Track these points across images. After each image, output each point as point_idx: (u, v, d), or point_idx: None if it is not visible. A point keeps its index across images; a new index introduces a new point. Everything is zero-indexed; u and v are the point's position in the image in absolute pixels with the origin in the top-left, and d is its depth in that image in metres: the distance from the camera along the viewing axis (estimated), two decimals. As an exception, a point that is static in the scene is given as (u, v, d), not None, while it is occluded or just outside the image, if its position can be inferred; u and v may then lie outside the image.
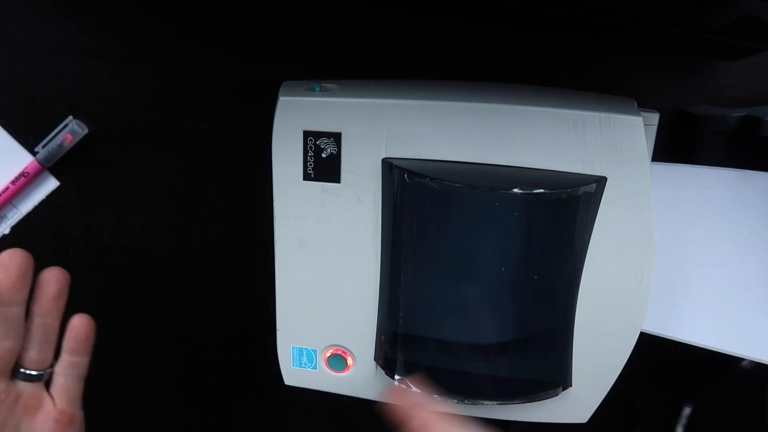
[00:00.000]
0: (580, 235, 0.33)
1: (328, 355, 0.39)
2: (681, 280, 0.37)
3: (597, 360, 0.36)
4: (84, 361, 0.36)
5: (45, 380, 0.35)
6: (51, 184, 0.43)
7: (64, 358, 0.35)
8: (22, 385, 0.34)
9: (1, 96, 0.41)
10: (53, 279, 0.33)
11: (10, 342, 0.32)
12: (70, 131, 0.41)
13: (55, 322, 0.34)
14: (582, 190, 0.32)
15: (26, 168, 0.42)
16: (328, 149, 0.34)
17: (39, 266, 0.45)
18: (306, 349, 0.39)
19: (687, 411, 0.46)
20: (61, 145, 0.41)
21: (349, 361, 0.39)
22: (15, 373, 0.34)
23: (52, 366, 0.35)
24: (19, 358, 0.34)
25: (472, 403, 0.38)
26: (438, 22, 0.39)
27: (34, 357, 0.34)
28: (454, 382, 0.37)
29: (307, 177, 0.35)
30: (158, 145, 0.42)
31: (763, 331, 0.35)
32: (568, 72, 0.39)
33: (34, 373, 0.34)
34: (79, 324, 0.35)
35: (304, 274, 0.37)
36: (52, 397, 0.35)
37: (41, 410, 0.34)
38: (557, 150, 0.32)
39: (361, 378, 0.39)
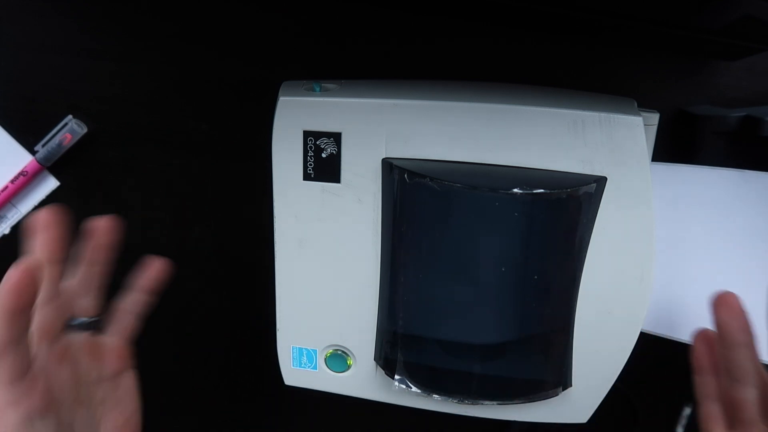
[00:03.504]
0: (580, 235, 0.33)
1: (328, 355, 0.39)
2: (681, 280, 0.37)
3: (597, 360, 0.36)
4: (149, 302, 0.37)
5: (100, 327, 0.36)
6: (51, 183, 0.43)
7: (133, 296, 0.37)
8: (80, 336, 0.34)
9: (1, 96, 0.41)
10: (104, 228, 0.35)
11: (55, 302, 0.33)
12: (69, 130, 0.41)
13: (105, 269, 0.35)
14: (582, 190, 0.32)
15: (25, 167, 0.42)
16: (328, 149, 0.34)
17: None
18: (306, 349, 0.39)
19: (687, 411, 0.46)
20: (60, 145, 0.41)
21: (349, 361, 0.39)
22: (70, 326, 0.34)
23: (105, 311, 0.36)
24: (73, 309, 0.34)
25: (472, 403, 0.38)
26: (438, 22, 0.39)
27: (88, 304, 0.35)
28: (454, 382, 0.37)
29: (307, 177, 0.35)
30: (158, 145, 0.42)
31: (763, 332, 0.35)
32: (568, 72, 0.39)
33: (90, 320, 0.35)
34: (158, 269, 0.37)
35: (304, 274, 0.37)
36: (109, 340, 0.36)
37: (104, 353, 0.35)
38: (557, 150, 0.32)
39: (361, 378, 0.39)
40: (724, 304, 0.33)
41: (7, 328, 0.29)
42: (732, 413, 0.33)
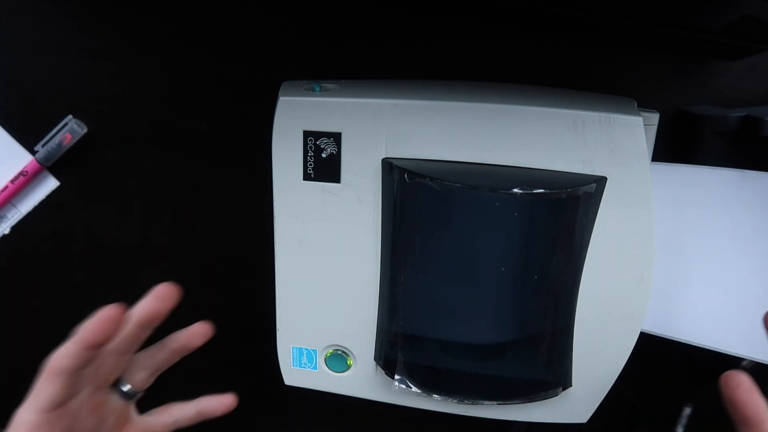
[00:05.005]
0: (580, 235, 0.33)
1: (328, 355, 0.39)
2: (681, 280, 0.37)
3: (597, 360, 0.36)
4: (193, 422, 0.38)
5: (135, 400, 0.37)
6: (51, 184, 0.43)
7: (188, 410, 0.38)
8: (117, 401, 0.36)
9: (1, 96, 0.41)
10: (200, 335, 0.36)
11: (127, 356, 0.35)
12: (69, 130, 0.41)
13: (173, 361, 0.37)
14: (582, 190, 0.32)
15: (25, 167, 0.42)
16: (328, 149, 0.34)
17: (37, 266, 0.45)
18: (306, 349, 0.39)
19: (687, 411, 0.46)
20: (60, 145, 0.41)
21: (349, 361, 0.39)
22: (116, 386, 0.36)
23: (144, 391, 0.37)
24: (127, 373, 0.36)
25: (472, 403, 0.38)
26: (438, 22, 0.39)
27: (142, 379, 0.36)
28: (454, 382, 0.37)
29: (307, 177, 0.35)
30: (158, 145, 0.42)
31: (763, 331, 0.35)
32: (568, 72, 0.39)
33: (133, 392, 0.36)
34: (220, 405, 0.38)
35: (304, 274, 0.37)
36: (137, 421, 0.37)
37: (126, 428, 0.36)
38: (557, 150, 0.32)
39: (361, 378, 0.39)
40: (739, 388, 0.31)
41: (75, 358, 0.30)
42: None
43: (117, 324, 0.31)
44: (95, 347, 0.30)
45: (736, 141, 0.38)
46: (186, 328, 0.36)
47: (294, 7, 0.39)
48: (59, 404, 0.31)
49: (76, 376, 0.31)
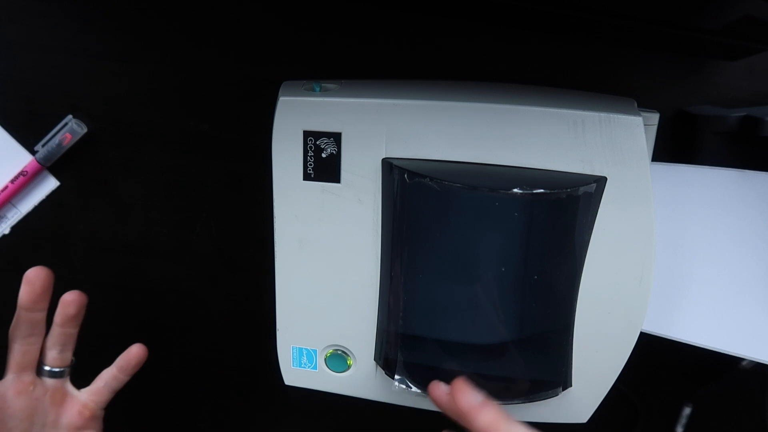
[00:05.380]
0: (580, 235, 0.33)
1: (328, 355, 0.39)
2: (681, 280, 0.37)
3: (597, 360, 0.36)
4: (124, 380, 0.41)
5: (66, 376, 0.40)
6: (51, 183, 0.43)
7: (111, 370, 0.41)
8: (48, 381, 0.39)
9: (1, 96, 0.41)
10: (73, 302, 0.39)
11: (33, 339, 0.38)
12: (69, 130, 0.41)
13: (74, 332, 0.40)
14: (582, 190, 0.32)
15: (25, 167, 0.42)
16: (328, 149, 0.34)
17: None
18: (306, 349, 0.39)
19: (687, 411, 0.46)
20: (60, 144, 0.41)
21: (349, 361, 0.39)
22: (40, 370, 0.39)
23: (71, 365, 0.40)
24: (42, 357, 0.39)
25: (472, 403, 0.38)
26: (438, 22, 0.39)
27: (56, 356, 0.39)
28: (454, 382, 0.37)
29: (307, 177, 0.35)
30: (158, 145, 0.42)
31: (763, 331, 0.35)
32: (568, 72, 0.39)
33: (56, 369, 0.40)
34: (136, 354, 0.41)
35: (304, 274, 0.37)
36: (76, 395, 0.41)
37: (66, 403, 0.40)
38: (557, 150, 0.32)
39: (361, 378, 0.39)
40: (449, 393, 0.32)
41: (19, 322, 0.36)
42: None
43: (46, 280, 0.37)
44: (33, 306, 0.36)
45: (736, 141, 0.38)
46: (59, 302, 0.39)
47: (294, 7, 0.39)
48: None
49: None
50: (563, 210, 0.32)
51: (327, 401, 0.42)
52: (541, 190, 0.32)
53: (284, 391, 0.41)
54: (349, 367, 0.39)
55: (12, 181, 0.42)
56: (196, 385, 0.50)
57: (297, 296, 0.38)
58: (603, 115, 0.31)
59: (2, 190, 0.42)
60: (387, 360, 0.38)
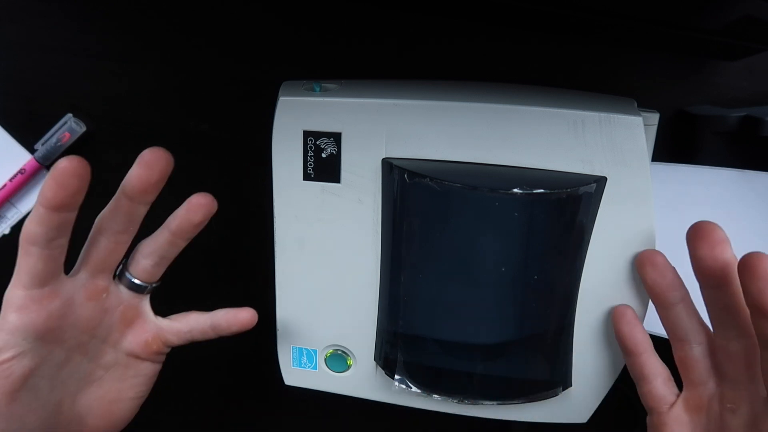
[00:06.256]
0: (580, 235, 0.33)
1: (328, 355, 0.39)
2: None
3: (597, 360, 0.36)
4: (211, 335, 0.35)
5: (148, 294, 0.34)
6: (51, 184, 0.43)
7: (206, 321, 0.35)
8: (125, 293, 0.33)
9: (1, 96, 0.41)
10: (202, 207, 0.32)
11: (125, 237, 0.31)
12: (68, 129, 0.41)
13: (182, 246, 0.33)
14: (582, 190, 0.32)
15: (24, 165, 0.42)
16: (328, 149, 0.34)
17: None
18: (306, 349, 0.39)
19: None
20: (58, 143, 0.41)
21: (349, 361, 0.39)
22: (121, 277, 0.33)
23: (159, 281, 0.34)
24: (131, 262, 0.33)
25: (472, 403, 0.38)
26: (438, 22, 0.39)
27: (148, 268, 0.33)
28: (454, 382, 0.37)
29: (307, 177, 0.35)
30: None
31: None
32: (568, 72, 0.39)
33: (142, 283, 0.33)
34: (245, 320, 0.35)
35: (304, 274, 0.37)
36: (151, 320, 0.34)
37: (136, 325, 0.34)
38: (557, 150, 0.32)
39: (361, 378, 0.39)
40: (650, 264, 0.31)
41: (43, 223, 0.27)
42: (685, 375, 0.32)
43: (77, 179, 0.27)
44: (58, 208, 0.27)
45: (736, 141, 0.38)
46: (184, 203, 0.32)
47: (294, 7, 0.39)
48: (42, 279, 0.28)
49: (51, 245, 0.28)
50: (563, 210, 0.32)
51: (327, 401, 0.42)
52: (541, 190, 0.32)
53: (284, 391, 0.41)
54: (349, 367, 0.39)
55: (10, 180, 0.42)
56: (195, 385, 0.50)
57: (297, 296, 0.38)
58: (603, 115, 0.31)
59: (0, 189, 0.42)
60: (387, 360, 0.38)
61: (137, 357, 0.34)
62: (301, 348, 0.39)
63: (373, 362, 0.39)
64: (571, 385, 0.37)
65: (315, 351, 0.39)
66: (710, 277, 0.28)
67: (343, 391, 0.40)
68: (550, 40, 0.39)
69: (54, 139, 0.41)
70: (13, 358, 0.29)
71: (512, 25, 0.38)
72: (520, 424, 0.40)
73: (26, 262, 0.28)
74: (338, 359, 0.39)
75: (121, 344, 0.33)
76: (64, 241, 0.29)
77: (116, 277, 0.33)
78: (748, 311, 0.27)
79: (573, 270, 0.34)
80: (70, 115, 0.41)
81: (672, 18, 0.33)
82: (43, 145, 0.41)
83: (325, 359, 0.39)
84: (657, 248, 0.33)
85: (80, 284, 0.31)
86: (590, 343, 0.36)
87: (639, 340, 0.33)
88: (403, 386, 0.37)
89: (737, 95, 0.39)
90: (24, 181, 0.42)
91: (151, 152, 0.29)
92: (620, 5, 0.33)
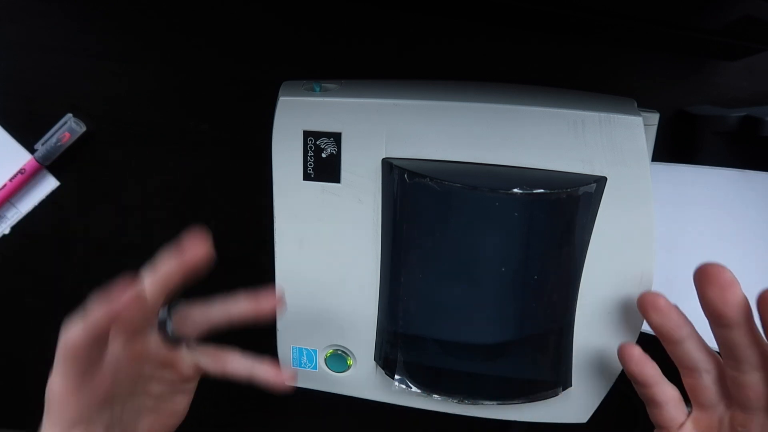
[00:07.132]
0: (580, 235, 0.33)
1: (328, 355, 0.39)
2: (681, 280, 0.37)
3: (597, 360, 0.36)
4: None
5: (180, 346, 0.35)
6: (51, 183, 0.43)
7: (241, 364, 0.36)
8: (159, 344, 0.35)
9: (1, 96, 0.41)
10: (271, 305, 0.34)
11: (158, 303, 0.33)
12: (68, 129, 0.41)
13: (231, 324, 0.35)
14: (582, 190, 0.32)
15: (24, 165, 0.42)
16: (328, 149, 0.34)
17: (36, 266, 0.45)
18: (306, 349, 0.39)
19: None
20: (58, 143, 0.41)
21: (349, 361, 0.39)
22: (163, 330, 0.34)
23: (191, 338, 0.36)
24: (175, 320, 0.35)
25: (472, 403, 0.38)
26: (438, 22, 0.39)
27: (190, 333, 0.35)
28: (454, 382, 0.37)
29: (307, 177, 0.35)
30: (158, 145, 0.42)
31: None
32: (568, 72, 0.39)
33: (179, 336, 0.35)
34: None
35: (304, 274, 0.37)
36: (187, 355, 0.36)
37: (176, 363, 0.35)
38: (557, 150, 0.32)
39: (361, 378, 0.39)
40: (653, 309, 0.31)
41: (87, 337, 0.29)
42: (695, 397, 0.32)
43: (134, 309, 0.30)
44: (106, 329, 0.29)
45: (736, 141, 0.38)
46: (252, 295, 0.34)
47: (294, 7, 0.39)
48: (87, 370, 0.30)
49: (102, 344, 0.30)
50: (563, 210, 0.32)
51: (327, 401, 0.42)
52: (541, 190, 0.32)
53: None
54: (349, 367, 0.39)
55: (10, 180, 0.42)
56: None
57: (297, 296, 0.38)
58: (603, 115, 0.31)
59: (0, 189, 0.42)
60: (387, 360, 0.38)
61: (181, 382, 0.37)
62: (301, 348, 0.39)
63: (373, 362, 0.39)
64: (571, 385, 0.37)
65: (315, 351, 0.39)
66: (721, 318, 0.28)
67: (343, 391, 0.40)
68: (550, 40, 0.39)
69: (54, 139, 0.41)
70: None
71: (512, 25, 0.38)
72: (520, 424, 0.40)
73: (69, 365, 0.30)
74: (338, 359, 0.39)
75: (164, 377, 0.36)
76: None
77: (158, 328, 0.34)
78: (759, 348, 0.27)
79: (573, 270, 0.34)
80: (70, 115, 0.41)
81: (672, 18, 0.33)
82: (43, 145, 0.41)
83: (325, 359, 0.39)
84: (657, 248, 0.33)
85: (120, 351, 0.32)
86: (590, 343, 0.36)
87: (649, 374, 0.32)
88: (403, 386, 0.37)
89: (737, 95, 0.39)
90: (24, 181, 0.42)
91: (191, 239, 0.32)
92: (620, 5, 0.33)
